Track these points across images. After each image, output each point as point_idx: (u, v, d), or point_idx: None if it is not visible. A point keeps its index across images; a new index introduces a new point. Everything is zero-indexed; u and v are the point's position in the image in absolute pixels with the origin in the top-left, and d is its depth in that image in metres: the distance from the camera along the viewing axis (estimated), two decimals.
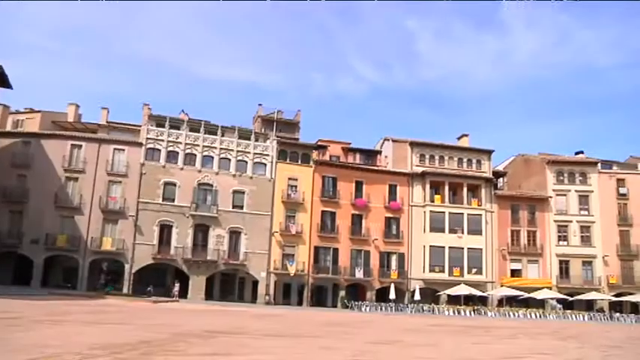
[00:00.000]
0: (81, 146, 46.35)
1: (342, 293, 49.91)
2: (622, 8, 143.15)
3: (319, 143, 55.21)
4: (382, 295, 49.87)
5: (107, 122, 50.08)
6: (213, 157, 48.72)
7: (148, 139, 47.30)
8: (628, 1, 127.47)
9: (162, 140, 47.56)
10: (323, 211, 50.92)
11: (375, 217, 52.19)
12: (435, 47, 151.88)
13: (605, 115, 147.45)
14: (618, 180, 58.34)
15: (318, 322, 19.39)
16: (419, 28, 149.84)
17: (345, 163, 54.86)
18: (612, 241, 56.11)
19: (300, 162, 51.10)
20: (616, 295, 53.55)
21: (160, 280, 46.41)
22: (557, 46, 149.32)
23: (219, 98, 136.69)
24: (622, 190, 57.76)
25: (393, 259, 52.11)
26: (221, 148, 49.01)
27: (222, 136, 49.42)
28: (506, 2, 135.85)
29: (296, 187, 50.32)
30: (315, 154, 52.69)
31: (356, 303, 46.87)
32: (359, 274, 50.31)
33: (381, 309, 45.77)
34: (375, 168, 55.32)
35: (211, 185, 48.08)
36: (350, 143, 58.21)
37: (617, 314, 51.00)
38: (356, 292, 51.08)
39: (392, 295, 47.64)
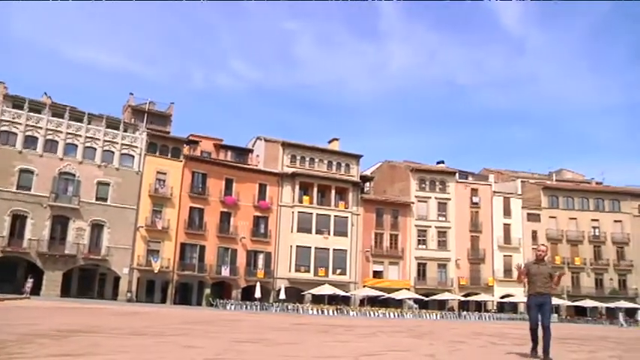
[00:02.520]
0: None
1: (208, 291, 49.36)
2: (482, 33, 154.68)
3: (191, 138, 54.19)
4: (248, 294, 49.94)
5: None
6: (77, 146, 46.09)
7: (2, 120, 43.65)
8: (489, 27, 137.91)
9: (20, 123, 44.14)
10: (191, 207, 50.06)
11: (244, 215, 52.18)
12: (314, 52, 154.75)
13: (464, 129, 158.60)
14: (472, 190, 63.09)
15: (181, 320, 19.03)
16: (300, 32, 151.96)
17: (217, 160, 54.29)
18: (464, 246, 60.63)
19: (170, 156, 49.86)
20: (465, 295, 58.04)
21: (10, 275, 42.99)
22: (427, 62, 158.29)
23: (88, 84, 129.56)
24: (475, 199, 62.52)
25: (260, 258, 52.40)
26: (87, 137, 46.49)
27: (89, 123, 46.91)
28: (385, 14, 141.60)
29: (164, 181, 49.01)
30: (186, 149, 51.69)
31: (221, 301, 46.49)
32: (225, 272, 50.00)
33: (246, 307, 45.73)
34: (247, 166, 55.27)
35: (74, 175, 45.46)
36: (222, 140, 57.65)
37: (465, 312, 55.18)
38: (221, 291, 50.72)
39: (257, 294, 47.81)
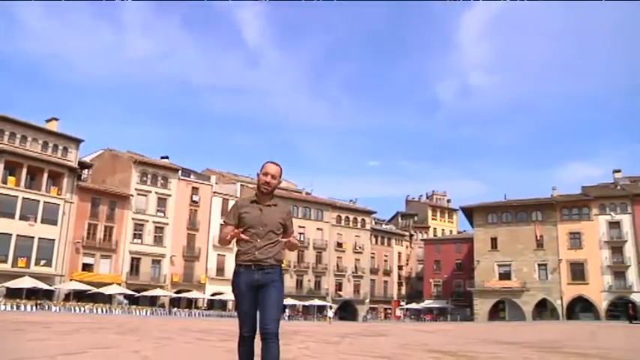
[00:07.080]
0: None
1: None
2: (223, 41, 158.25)
3: None
4: None
5: None
6: None
7: None
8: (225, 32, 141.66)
9: None
10: None
11: None
12: (41, 20, 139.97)
13: (192, 128, 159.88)
14: (193, 188, 63.88)
15: None
16: None
17: None
18: (180, 243, 61.07)
19: None
20: (177, 292, 58.37)
21: None
22: (164, 56, 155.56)
23: None
24: (195, 198, 63.47)
25: None
26: None
27: None
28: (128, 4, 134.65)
29: None
30: None
31: None
32: None
33: None
34: None
35: None
36: None
37: (175, 309, 55.47)
38: None
39: None
